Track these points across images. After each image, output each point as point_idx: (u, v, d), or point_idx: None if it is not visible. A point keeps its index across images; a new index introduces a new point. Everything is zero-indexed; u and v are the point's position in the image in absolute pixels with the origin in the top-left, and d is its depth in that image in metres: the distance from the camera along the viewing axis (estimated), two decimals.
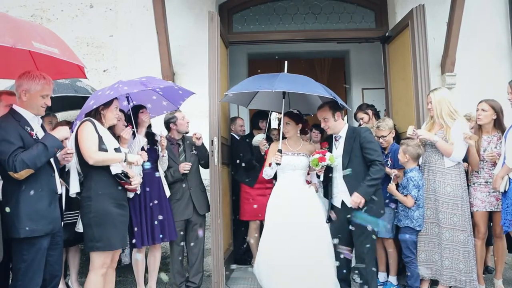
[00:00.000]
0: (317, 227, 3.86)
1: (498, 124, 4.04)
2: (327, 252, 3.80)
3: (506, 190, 3.72)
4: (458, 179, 3.91)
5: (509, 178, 3.71)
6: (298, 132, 4.16)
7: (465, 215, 3.88)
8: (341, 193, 3.78)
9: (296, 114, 4.16)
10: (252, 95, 4.42)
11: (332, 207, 3.88)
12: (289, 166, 4.00)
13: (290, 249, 3.74)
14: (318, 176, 4.04)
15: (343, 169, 3.73)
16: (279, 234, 3.83)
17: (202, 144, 4.33)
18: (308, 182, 4.17)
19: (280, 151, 3.89)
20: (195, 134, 4.25)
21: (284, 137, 4.08)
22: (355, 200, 3.58)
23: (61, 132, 3.00)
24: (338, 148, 3.85)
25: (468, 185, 4.04)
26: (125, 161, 3.29)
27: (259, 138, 4.65)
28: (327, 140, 4.21)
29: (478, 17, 5.39)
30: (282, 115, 4.02)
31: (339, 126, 3.86)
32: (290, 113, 4.13)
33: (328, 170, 3.89)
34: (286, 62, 4.12)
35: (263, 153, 4.52)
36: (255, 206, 4.74)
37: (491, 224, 4.10)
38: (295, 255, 3.72)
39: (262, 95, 4.33)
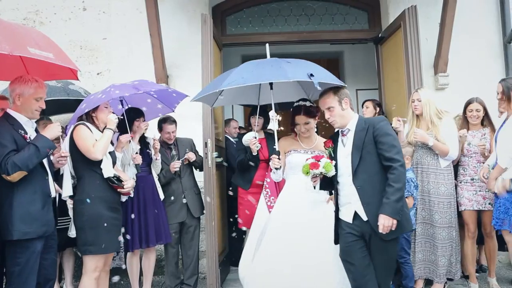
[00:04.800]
0: (326, 236, 3.19)
1: (487, 121, 4.16)
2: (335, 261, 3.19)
3: None
4: (450, 178, 3.97)
5: (503, 178, 3.73)
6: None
7: (456, 212, 3.98)
8: (353, 203, 2.90)
9: (315, 108, 3.55)
10: (257, 90, 3.99)
11: (337, 221, 3.06)
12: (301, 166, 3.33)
13: (295, 260, 3.26)
14: (314, 187, 3.22)
15: (352, 171, 2.88)
16: (283, 244, 3.33)
17: (195, 159, 4.34)
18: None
19: (278, 153, 3.40)
20: (185, 158, 4.25)
21: (280, 136, 3.72)
22: (386, 224, 2.69)
23: (52, 131, 2.97)
24: (347, 145, 2.96)
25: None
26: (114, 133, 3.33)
27: (249, 137, 4.06)
28: (332, 138, 3.14)
29: (470, 17, 5.43)
30: (273, 110, 3.58)
31: (347, 117, 2.97)
32: (307, 110, 3.53)
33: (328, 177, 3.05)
34: (267, 44, 3.63)
35: (255, 154, 4.01)
36: (247, 211, 4.29)
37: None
38: (302, 261, 3.25)
39: (267, 87, 3.62)
